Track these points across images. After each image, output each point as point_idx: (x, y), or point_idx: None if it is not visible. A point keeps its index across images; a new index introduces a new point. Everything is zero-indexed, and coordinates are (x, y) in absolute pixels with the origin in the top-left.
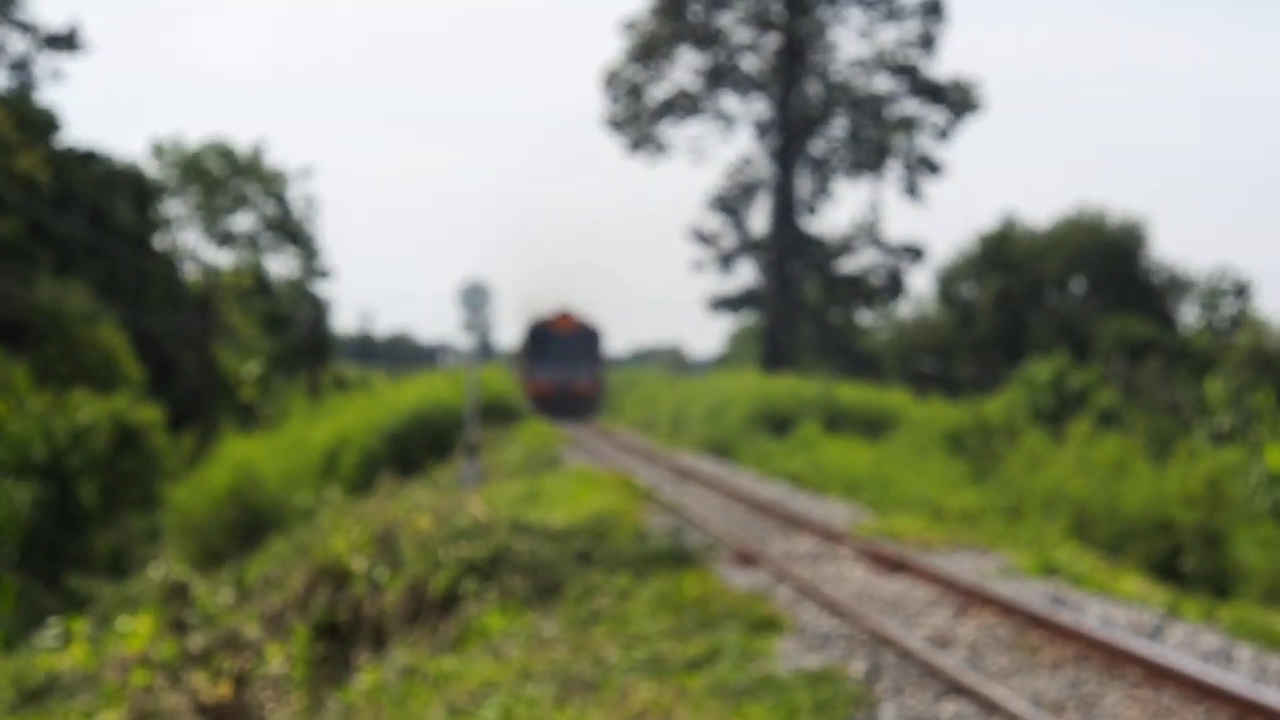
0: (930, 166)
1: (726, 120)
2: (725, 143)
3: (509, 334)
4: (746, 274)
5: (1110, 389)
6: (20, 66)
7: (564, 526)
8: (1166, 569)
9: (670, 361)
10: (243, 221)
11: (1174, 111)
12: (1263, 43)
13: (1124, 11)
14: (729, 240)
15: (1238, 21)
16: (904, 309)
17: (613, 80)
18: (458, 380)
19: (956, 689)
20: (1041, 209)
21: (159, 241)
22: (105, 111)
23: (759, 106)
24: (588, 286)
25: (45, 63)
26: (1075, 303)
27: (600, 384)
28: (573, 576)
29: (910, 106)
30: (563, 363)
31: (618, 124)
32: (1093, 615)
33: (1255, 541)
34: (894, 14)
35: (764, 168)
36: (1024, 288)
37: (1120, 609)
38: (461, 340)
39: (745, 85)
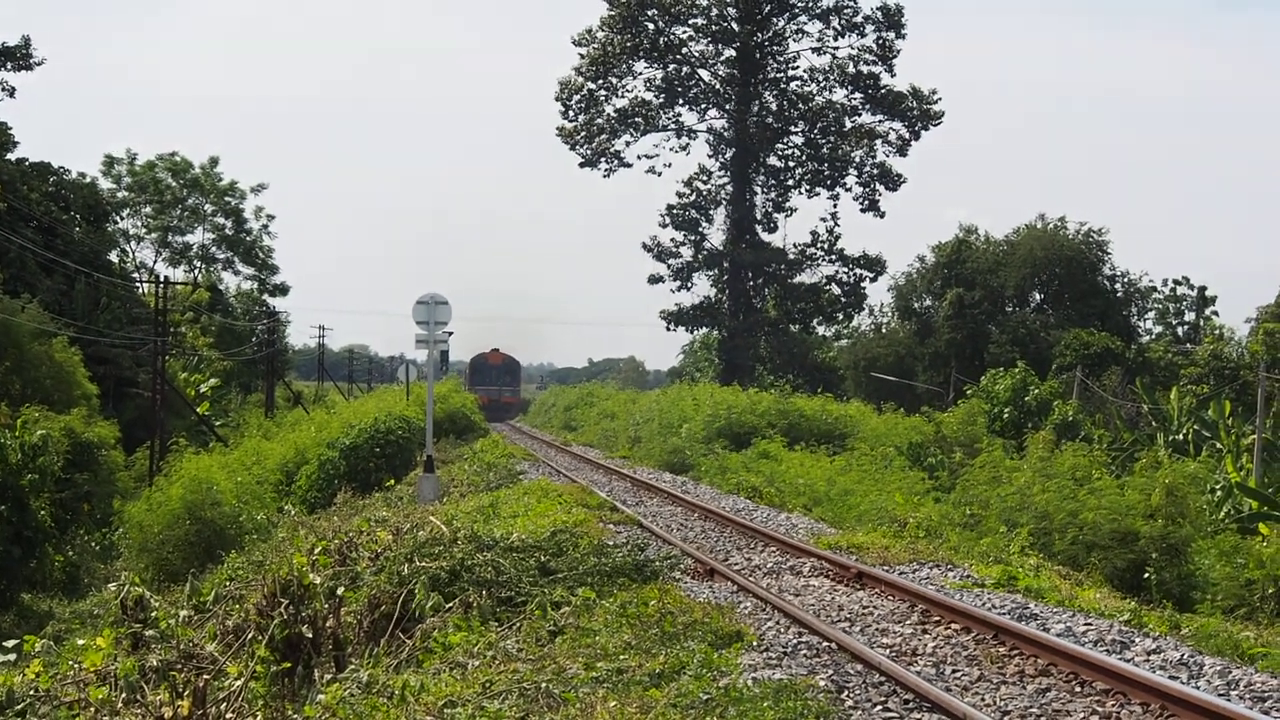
0: (889, 179)
1: (684, 133)
2: (683, 156)
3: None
4: (704, 287)
5: (1070, 400)
6: None
7: (525, 540)
8: (1129, 580)
9: (629, 374)
10: (197, 237)
11: (1134, 125)
12: (1220, 59)
13: (1080, 28)
14: (687, 253)
15: (1193, 38)
16: (862, 322)
17: (568, 93)
18: (416, 395)
19: (922, 702)
20: (1000, 221)
21: (112, 257)
22: (56, 130)
23: (716, 120)
24: (520, 328)
25: None
26: (1034, 314)
27: (519, 397)
28: (534, 590)
29: (869, 119)
30: (493, 384)
31: (573, 137)
32: (1057, 627)
33: (1217, 553)
34: (852, 27)
35: (721, 181)
36: (983, 299)
37: (1084, 621)
38: (419, 355)
39: (702, 98)
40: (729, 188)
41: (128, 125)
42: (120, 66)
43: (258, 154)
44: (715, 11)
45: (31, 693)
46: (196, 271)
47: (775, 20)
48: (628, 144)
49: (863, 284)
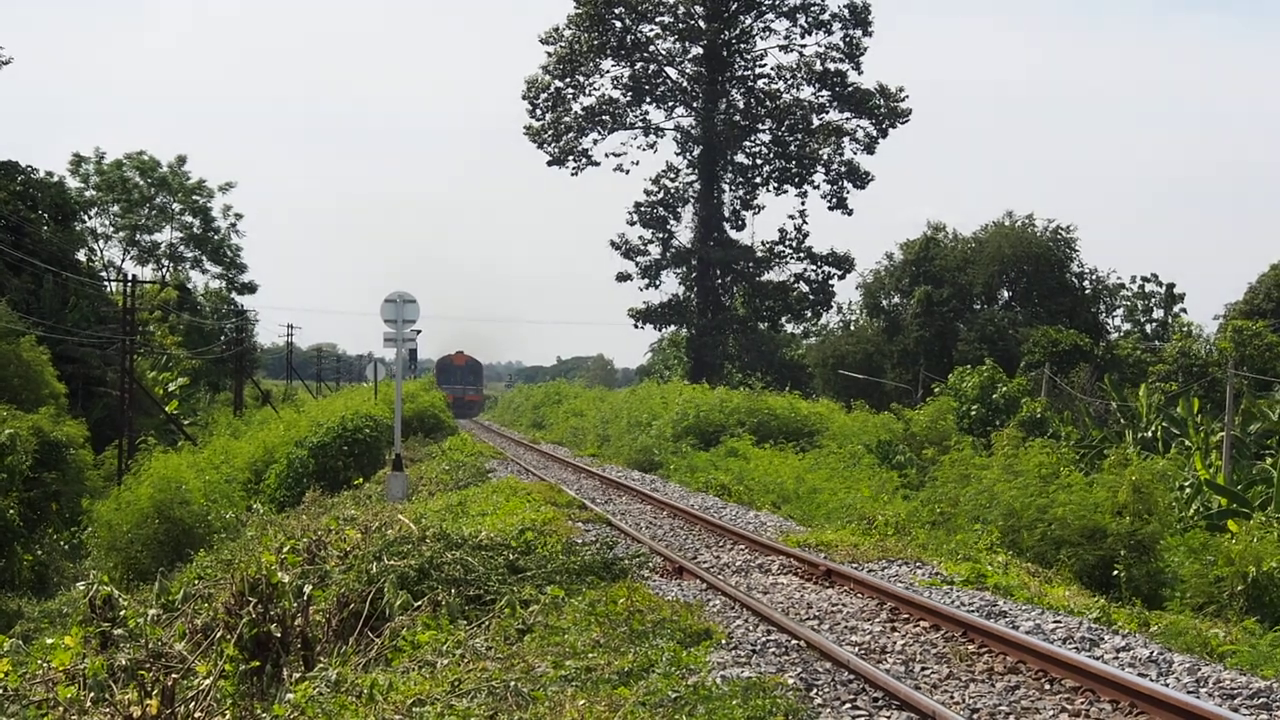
0: (856, 176)
1: (651, 131)
2: (651, 154)
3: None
4: (672, 285)
5: (1038, 398)
6: None
7: (493, 539)
8: (1098, 577)
9: (598, 372)
10: (165, 235)
11: (1102, 122)
12: (1188, 58)
13: (1048, 27)
14: (655, 251)
15: (1161, 38)
16: (831, 320)
17: (535, 92)
18: (384, 393)
19: (891, 700)
20: (968, 218)
21: (80, 256)
22: (22, 128)
23: (684, 118)
24: (488, 326)
25: None
26: (1002, 312)
27: (482, 395)
28: (503, 589)
29: (836, 117)
30: (458, 383)
31: (540, 136)
32: (1026, 625)
33: (1186, 550)
34: (819, 25)
35: (689, 179)
36: (951, 297)
37: (1053, 618)
38: (387, 353)
39: (669, 96)
40: (697, 185)
41: (95, 124)
42: (88, 65)
43: (225, 153)
44: (682, 9)
45: (0, 691)
46: (164, 270)
47: (742, 18)
48: (595, 142)
49: (831, 282)
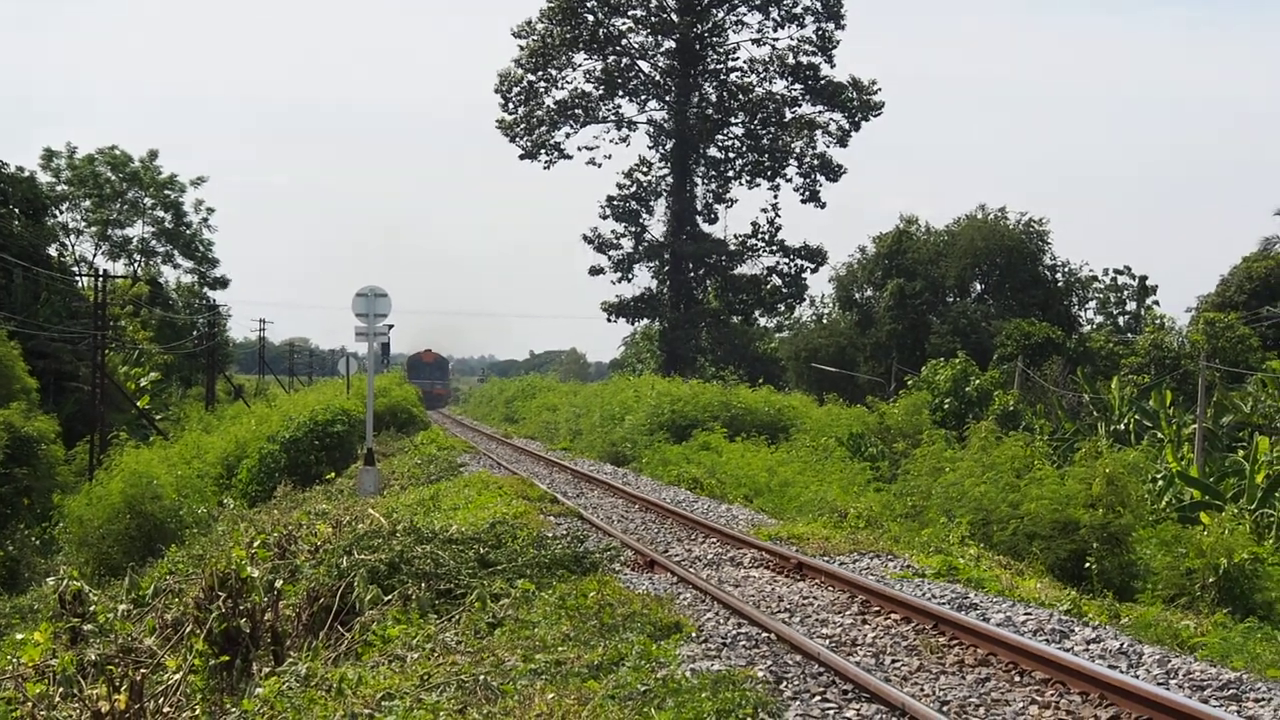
0: (829, 169)
1: (624, 125)
2: (623, 148)
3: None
4: (645, 278)
5: (1011, 390)
6: None
7: (464, 533)
8: (1070, 570)
9: (570, 366)
10: (137, 230)
11: (1075, 115)
12: (1159, 50)
13: (1019, 20)
14: (627, 245)
15: (1132, 30)
16: (803, 313)
17: (507, 85)
18: (356, 388)
19: (861, 692)
20: (940, 211)
21: (52, 251)
22: None
23: (656, 111)
24: (461, 320)
25: None
26: (975, 304)
27: (448, 389)
28: (473, 582)
29: (809, 110)
30: (426, 378)
31: (513, 129)
32: (997, 617)
33: (1157, 542)
34: (791, 18)
35: (661, 172)
36: (924, 290)
37: (1024, 611)
38: (359, 348)
39: (642, 90)
40: (669, 179)
41: (66, 119)
42: (58, 60)
43: (197, 148)
44: (655, 3)
45: None
46: (136, 265)
47: (715, 11)
48: (568, 136)
49: (803, 275)
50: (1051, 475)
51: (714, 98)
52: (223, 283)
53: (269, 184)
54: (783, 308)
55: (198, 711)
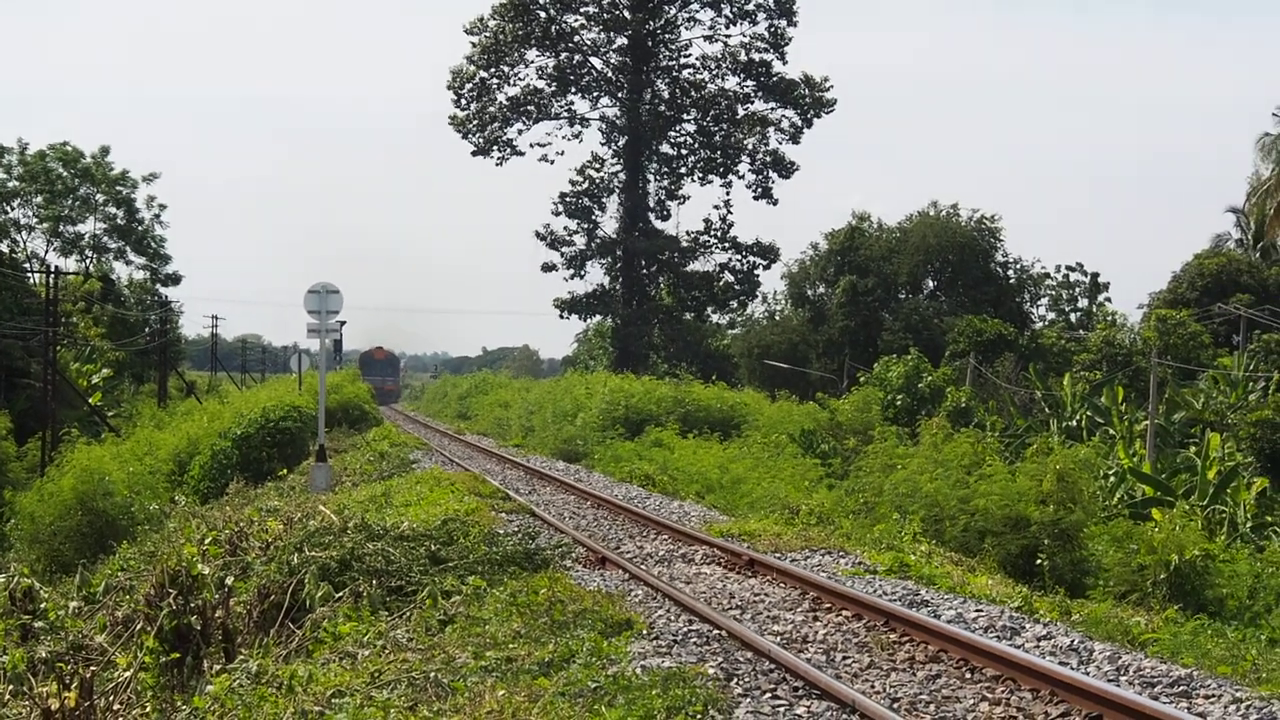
0: (781, 166)
1: (576, 121)
2: (576, 144)
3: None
4: (598, 275)
5: (963, 387)
6: None
7: (415, 529)
8: (1021, 567)
9: (523, 363)
10: (88, 227)
11: (1026, 112)
12: (1110, 45)
13: (970, 16)
14: (580, 241)
15: (1084, 26)
16: (756, 309)
17: (460, 82)
18: (309, 384)
19: (812, 689)
20: (892, 208)
21: (3, 247)
22: None
23: (609, 108)
24: (413, 317)
25: None
26: (927, 301)
27: (398, 384)
28: (424, 579)
29: (761, 106)
30: (377, 375)
31: (465, 126)
32: (948, 614)
33: (1109, 538)
34: (743, 14)
35: (614, 169)
36: (876, 287)
37: (975, 607)
38: (312, 344)
39: (594, 86)
40: (622, 176)
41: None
42: (6, 55)
43: (149, 143)
44: (607, 0)
45: None
46: (88, 261)
47: (667, 8)
48: (520, 132)
49: (756, 272)
50: (1001, 471)
51: (666, 94)
52: (175, 279)
53: (223, 180)
54: (735, 304)
55: (148, 709)
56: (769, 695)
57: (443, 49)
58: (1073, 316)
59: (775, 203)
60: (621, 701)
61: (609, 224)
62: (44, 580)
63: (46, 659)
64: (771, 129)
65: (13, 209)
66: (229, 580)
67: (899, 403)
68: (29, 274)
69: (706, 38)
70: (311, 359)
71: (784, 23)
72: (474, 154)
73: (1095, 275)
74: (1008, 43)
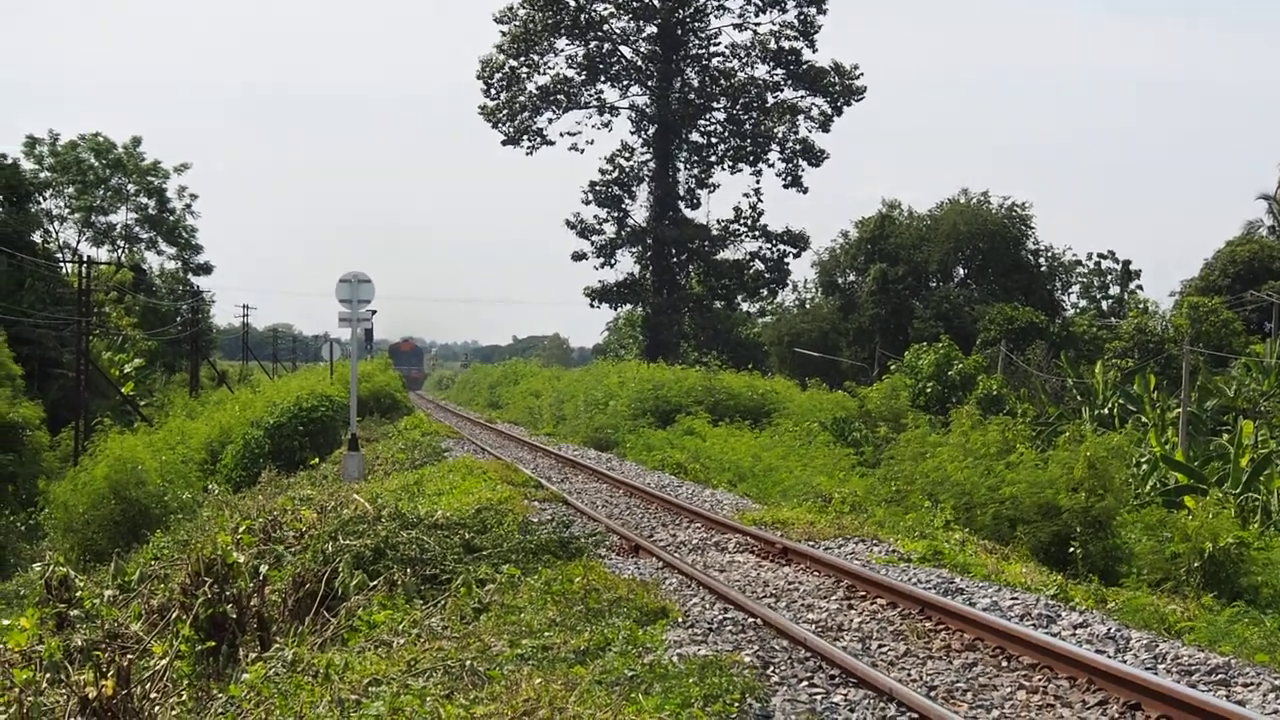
0: (811, 154)
1: (606, 110)
2: (605, 133)
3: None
4: (628, 264)
5: (994, 375)
6: None
7: (449, 518)
8: (1054, 554)
9: (554, 351)
10: (120, 217)
11: (1058, 99)
12: (1146, 35)
13: (999, 3)
14: (610, 230)
15: (1122, 14)
16: (786, 298)
17: (489, 72)
18: (340, 373)
19: (848, 677)
20: (923, 196)
21: (35, 238)
22: None
23: (638, 96)
24: (444, 306)
25: None
26: (958, 289)
27: (423, 373)
28: (459, 568)
29: (790, 95)
30: (404, 365)
31: (495, 115)
32: (983, 601)
33: (1142, 526)
34: (773, 2)
35: (644, 158)
36: (906, 275)
37: (1010, 595)
38: (343, 333)
39: (624, 75)
40: (651, 164)
41: (49, 105)
42: (40, 47)
43: (180, 134)
44: None
45: None
46: (120, 251)
47: None
48: (550, 121)
49: (786, 260)
50: (1030, 459)
51: (696, 83)
52: (206, 269)
53: (256, 170)
54: (765, 293)
55: (184, 697)
56: (805, 683)
57: (476, 37)
58: (1104, 304)
59: (805, 191)
60: (658, 689)
61: (639, 213)
62: (78, 569)
63: (83, 647)
64: (801, 117)
65: (45, 200)
66: (263, 569)
67: (930, 390)
68: (61, 264)
69: (736, 26)
70: (343, 348)
71: (813, 10)
72: (504, 143)
73: (1127, 263)
74: (1038, 28)
